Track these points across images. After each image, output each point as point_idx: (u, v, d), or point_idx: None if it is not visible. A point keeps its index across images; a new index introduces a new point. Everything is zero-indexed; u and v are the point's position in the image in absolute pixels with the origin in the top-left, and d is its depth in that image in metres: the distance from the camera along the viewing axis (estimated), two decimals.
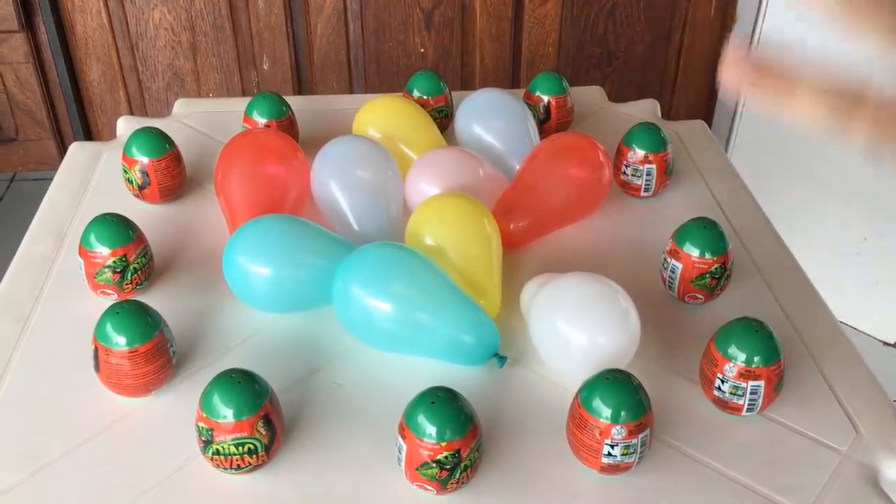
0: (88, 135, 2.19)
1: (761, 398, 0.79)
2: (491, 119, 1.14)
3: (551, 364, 0.86)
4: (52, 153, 2.20)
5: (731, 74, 0.56)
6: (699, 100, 2.20)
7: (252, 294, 0.91)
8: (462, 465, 0.72)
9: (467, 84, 2.12)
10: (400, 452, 0.73)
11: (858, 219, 1.86)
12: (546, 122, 1.22)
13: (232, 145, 1.07)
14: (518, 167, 1.09)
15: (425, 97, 1.22)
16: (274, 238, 0.91)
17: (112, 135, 1.29)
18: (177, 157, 1.10)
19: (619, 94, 2.07)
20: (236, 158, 1.05)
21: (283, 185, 1.03)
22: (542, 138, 1.14)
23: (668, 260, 0.94)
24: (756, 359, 0.78)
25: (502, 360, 0.85)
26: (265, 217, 0.93)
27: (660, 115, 1.34)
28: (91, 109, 2.16)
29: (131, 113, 2.15)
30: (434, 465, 0.71)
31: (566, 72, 2.10)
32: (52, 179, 1.16)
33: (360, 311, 0.85)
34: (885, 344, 1.92)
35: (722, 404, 0.81)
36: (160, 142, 1.09)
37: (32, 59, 2.06)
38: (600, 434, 0.73)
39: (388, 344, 0.87)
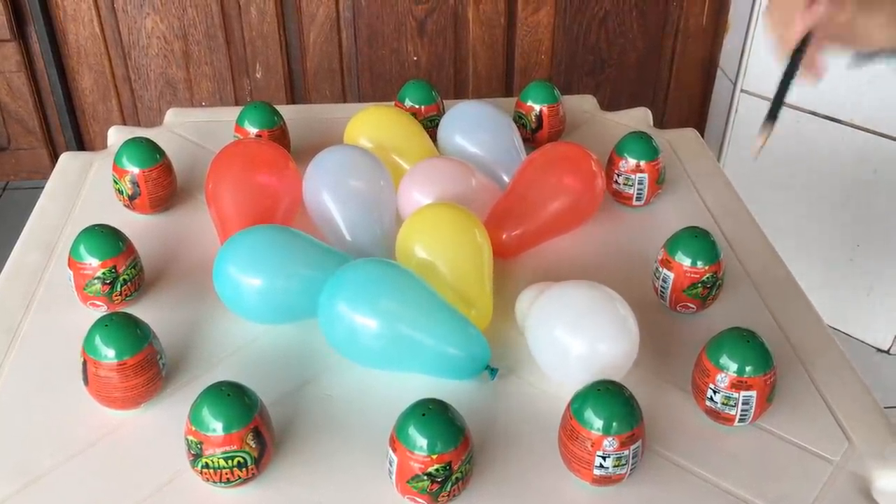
0: (81, 144, 2.18)
1: (753, 408, 0.79)
2: (474, 131, 1.14)
3: (550, 374, 0.86)
4: (44, 162, 2.20)
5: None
6: (692, 108, 2.20)
7: (242, 305, 0.91)
8: (453, 477, 0.72)
9: (461, 92, 2.12)
10: (391, 465, 0.73)
11: (851, 225, 1.86)
12: (538, 131, 1.22)
13: (223, 155, 1.06)
14: (504, 177, 1.09)
15: (417, 106, 1.22)
16: (264, 248, 0.90)
17: (104, 143, 1.28)
18: (167, 168, 1.10)
19: (611, 102, 2.07)
20: (227, 168, 1.04)
21: (274, 195, 1.03)
22: (534, 147, 1.14)
23: (660, 269, 0.94)
24: (748, 369, 0.78)
25: (493, 372, 0.85)
26: (256, 227, 0.93)
27: (651, 123, 1.34)
28: (83, 118, 2.16)
29: (124, 122, 2.14)
30: (425, 477, 0.71)
31: (559, 80, 2.10)
32: (44, 188, 1.16)
33: (346, 329, 0.85)
34: (878, 350, 1.92)
35: (714, 415, 0.81)
36: (150, 152, 1.08)
37: (24, 68, 2.06)
38: (592, 446, 0.72)
39: (376, 361, 0.87)
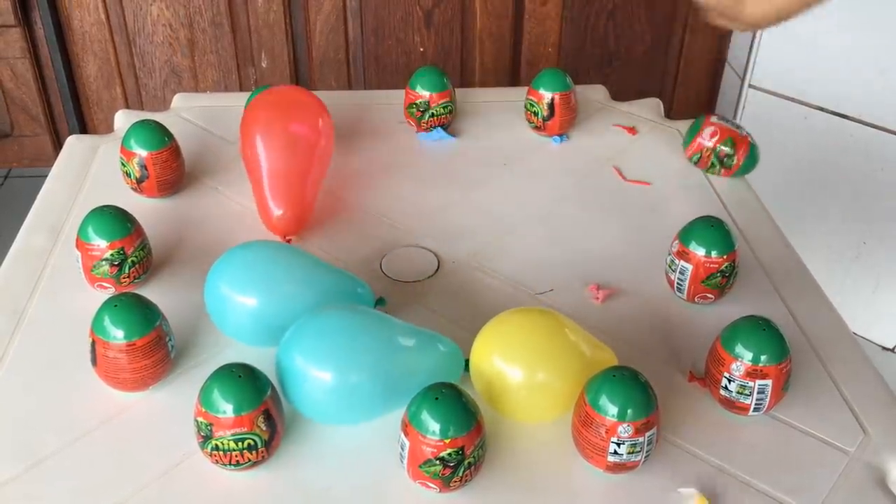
0: (84, 131, 2.17)
1: (769, 397, 0.78)
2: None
3: None
4: (48, 149, 2.18)
5: None
6: (700, 102, 2.19)
7: (232, 329, 0.87)
8: (466, 462, 0.71)
9: (467, 84, 2.11)
10: (402, 449, 0.72)
11: (858, 223, 1.85)
12: (550, 119, 1.21)
13: (256, 104, 1.08)
14: None
15: (429, 93, 1.21)
16: (256, 269, 0.86)
17: (108, 131, 1.27)
18: (176, 151, 1.09)
19: (618, 95, 2.06)
20: (260, 118, 1.06)
21: (309, 143, 1.05)
22: (546, 136, 1.14)
23: (677, 261, 0.92)
24: (763, 357, 0.77)
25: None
26: (250, 244, 0.89)
27: (663, 113, 1.34)
28: (87, 105, 2.15)
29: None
30: (437, 462, 0.70)
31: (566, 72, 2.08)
32: (46, 176, 1.15)
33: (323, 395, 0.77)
34: (884, 349, 1.91)
35: (728, 404, 0.80)
36: (159, 135, 1.07)
37: (29, 54, 2.05)
38: (606, 432, 0.72)
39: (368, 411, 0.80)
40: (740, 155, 1.12)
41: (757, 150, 1.14)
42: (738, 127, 1.15)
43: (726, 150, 1.13)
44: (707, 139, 1.14)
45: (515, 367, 0.78)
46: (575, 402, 0.75)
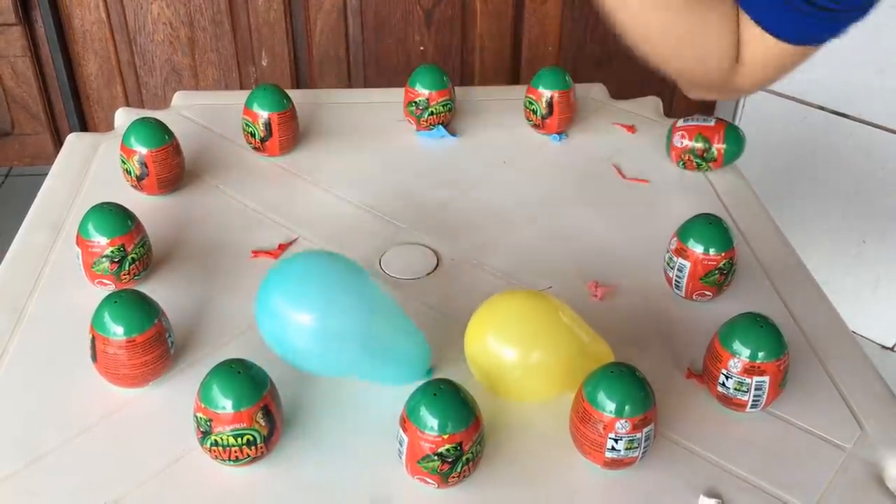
0: (85, 129, 2.17)
1: (766, 394, 0.79)
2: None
3: None
4: (48, 148, 2.18)
5: None
6: (699, 101, 2.19)
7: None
8: (464, 458, 0.71)
9: (467, 83, 2.11)
10: (401, 445, 0.72)
11: (858, 221, 1.85)
12: (548, 118, 1.22)
13: None
14: None
15: (428, 92, 1.21)
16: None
17: (108, 130, 1.27)
18: (176, 149, 1.09)
19: (619, 94, 2.06)
20: None
21: None
22: (545, 133, 1.14)
23: (675, 259, 0.93)
24: (761, 354, 0.78)
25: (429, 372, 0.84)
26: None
27: (662, 111, 1.34)
28: (88, 104, 2.15)
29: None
30: (436, 458, 0.70)
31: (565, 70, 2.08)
32: (47, 174, 1.15)
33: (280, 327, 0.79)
34: (883, 347, 1.91)
35: (726, 400, 0.80)
36: (159, 133, 1.07)
37: (29, 53, 2.05)
38: (604, 428, 0.72)
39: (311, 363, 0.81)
40: (717, 144, 1.13)
41: (738, 131, 1.14)
42: (705, 119, 1.15)
43: (700, 146, 1.14)
44: (679, 143, 1.15)
45: (510, 347, 0.79)
46: (570, 381, 0.76)
